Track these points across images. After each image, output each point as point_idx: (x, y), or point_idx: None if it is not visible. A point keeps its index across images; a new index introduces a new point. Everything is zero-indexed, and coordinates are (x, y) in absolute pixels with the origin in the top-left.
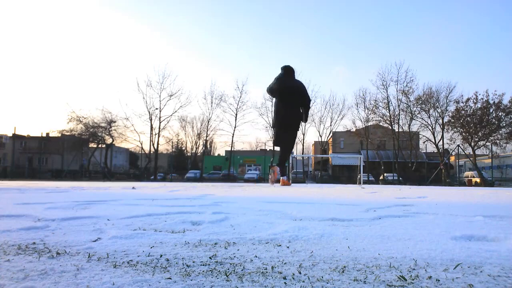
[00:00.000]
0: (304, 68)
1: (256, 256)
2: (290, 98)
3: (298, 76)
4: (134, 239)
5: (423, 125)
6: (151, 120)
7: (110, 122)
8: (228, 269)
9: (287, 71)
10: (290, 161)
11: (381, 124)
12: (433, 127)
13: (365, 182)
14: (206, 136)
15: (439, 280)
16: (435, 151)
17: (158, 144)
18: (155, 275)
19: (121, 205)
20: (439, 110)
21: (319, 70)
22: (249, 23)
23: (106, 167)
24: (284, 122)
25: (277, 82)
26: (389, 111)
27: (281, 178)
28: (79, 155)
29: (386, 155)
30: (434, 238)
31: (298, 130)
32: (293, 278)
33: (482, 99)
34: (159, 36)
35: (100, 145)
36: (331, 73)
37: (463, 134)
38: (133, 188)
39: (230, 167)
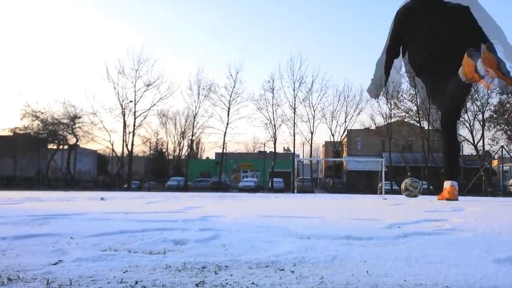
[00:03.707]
0: (317, 48)
1: (254, 283)
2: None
3: (305, 62)
4: (103, 262)
5: (458, 121)
6: (124, 115)
7: (74, 118)
8: None
9: None
10: (296, 166)
11: (406, 120)
12: (471, 124)
13: (387, 192)
14: (192, 135)
15: None
16: (474, 154)
17: (132, 145)
18: None
19: (87, 220)
20: (478, 103)
21: (334, 51)
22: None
23: (68, 173)
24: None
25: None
26: (416, 104)
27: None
28: (36, 158)
29: (413, 158)
30: (472, 261)
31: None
32: None
33: None
34: (133, 14)
35: (61, 146)
36: (348, 54)
37: (508, 133)
38: (102, 199)
39: (222, 173)
